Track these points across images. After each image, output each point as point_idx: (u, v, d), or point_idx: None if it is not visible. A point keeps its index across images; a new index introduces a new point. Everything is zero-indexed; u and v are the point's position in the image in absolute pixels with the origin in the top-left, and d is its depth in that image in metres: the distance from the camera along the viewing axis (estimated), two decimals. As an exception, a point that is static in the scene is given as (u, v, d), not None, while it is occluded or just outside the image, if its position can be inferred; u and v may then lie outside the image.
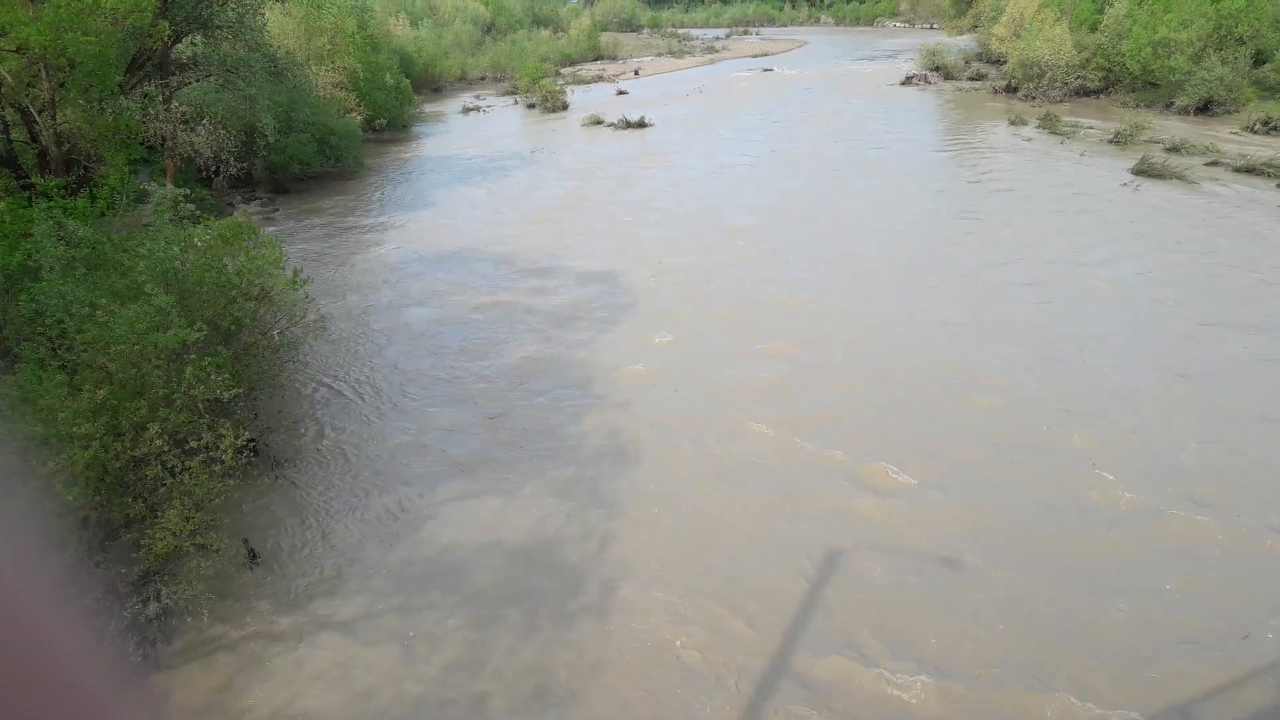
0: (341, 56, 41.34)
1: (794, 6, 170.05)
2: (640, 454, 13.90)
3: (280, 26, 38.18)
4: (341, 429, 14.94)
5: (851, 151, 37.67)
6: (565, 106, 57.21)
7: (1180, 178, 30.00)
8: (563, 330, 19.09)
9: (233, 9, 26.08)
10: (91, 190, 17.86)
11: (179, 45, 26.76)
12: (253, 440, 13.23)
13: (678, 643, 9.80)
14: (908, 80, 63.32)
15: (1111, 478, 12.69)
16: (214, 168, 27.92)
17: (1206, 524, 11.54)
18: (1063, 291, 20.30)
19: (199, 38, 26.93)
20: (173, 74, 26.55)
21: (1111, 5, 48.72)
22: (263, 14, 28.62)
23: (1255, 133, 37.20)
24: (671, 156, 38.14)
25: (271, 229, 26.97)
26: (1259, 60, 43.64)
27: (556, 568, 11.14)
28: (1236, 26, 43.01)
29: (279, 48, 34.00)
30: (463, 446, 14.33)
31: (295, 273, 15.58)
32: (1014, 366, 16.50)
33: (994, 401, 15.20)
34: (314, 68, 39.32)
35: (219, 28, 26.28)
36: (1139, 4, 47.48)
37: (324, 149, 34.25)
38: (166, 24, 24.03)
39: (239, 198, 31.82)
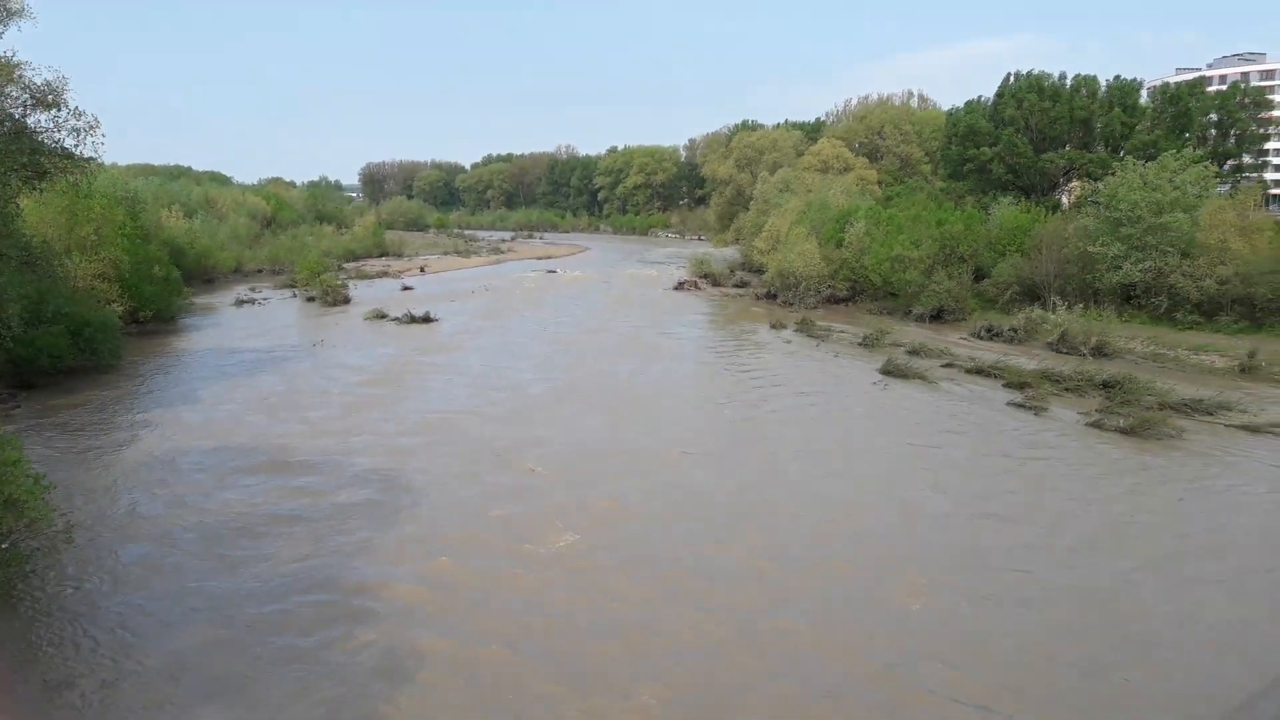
0: (108, 247, 39.54)
1: (575, 215, 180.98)
2: (413, 673, 13.01)
3: (38, 214, 36.15)
4: (75, 651, 13.23)
5: (634, 358, 39.34)
6: (347, 300, 56.98)
7: (922, 377, 33.46)
8: (329, 539, 17.93)
9: (-17, 195, 24.48)
10: None
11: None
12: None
13: None
14: (680, 285, 68.36)
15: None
16: (-55, 360, 25.40)
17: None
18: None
19: (-59, 223, 24.99)
20: (-95, 260, 24.33)
21: (852, 225, 55.27)
22: (16, 201, 27.05)
23: (980, 339, 42.42)
24: (454, 363, 38.09)
25: (11, 427, 24.49)
26: (979, 276, 50.43)
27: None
28: (958, 247, 49.93)
29: (35, 235, 32.10)
30: (215, 670, 12.90)
31: (38, 478, 14.21)
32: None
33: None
34: (75, 257, 37.26)
35: (-35, 214, 24.54)
36: (876, 225, 54.15)
37: (78, 341, 32.02)
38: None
39: (-28, 392, 28.93)
